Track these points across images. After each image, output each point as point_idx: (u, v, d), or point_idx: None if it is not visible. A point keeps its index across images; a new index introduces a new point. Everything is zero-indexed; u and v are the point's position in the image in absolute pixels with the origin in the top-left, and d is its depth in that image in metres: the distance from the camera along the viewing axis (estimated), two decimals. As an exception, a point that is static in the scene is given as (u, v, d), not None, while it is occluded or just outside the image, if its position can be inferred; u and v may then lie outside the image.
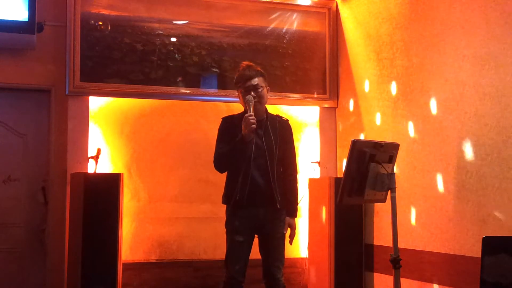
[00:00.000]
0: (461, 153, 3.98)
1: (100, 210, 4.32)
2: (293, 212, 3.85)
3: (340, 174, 5.21)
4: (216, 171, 5.07)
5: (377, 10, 4.91)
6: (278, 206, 3.73)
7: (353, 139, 3.32)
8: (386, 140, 3.76)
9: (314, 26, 5.47)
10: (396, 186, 3.36)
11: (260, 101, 3.76)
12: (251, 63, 3.89)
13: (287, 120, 3.94)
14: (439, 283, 4.13)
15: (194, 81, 5.08)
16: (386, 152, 3.42)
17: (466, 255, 3.89)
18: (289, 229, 3.84)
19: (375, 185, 3.37)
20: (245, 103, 3.71)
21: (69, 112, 4.77)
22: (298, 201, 3.94)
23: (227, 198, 3.80)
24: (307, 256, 5.15)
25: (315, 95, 5.41)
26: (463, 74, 3.99)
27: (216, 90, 5.15)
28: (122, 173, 4.52)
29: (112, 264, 4.32)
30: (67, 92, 4.74)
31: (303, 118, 5.44)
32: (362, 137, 5.06)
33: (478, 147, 3.85)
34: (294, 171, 3.90)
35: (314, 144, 5.45)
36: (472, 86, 3.92)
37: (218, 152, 3.78)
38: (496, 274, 3.00)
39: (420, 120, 4.39)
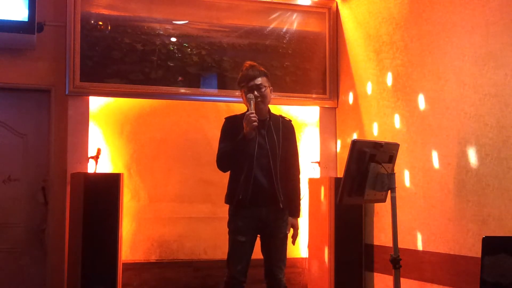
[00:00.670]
0: (461, 153, 3.98)
1: (100, 210, 4.32)
2: (295, 213, 3.84)
3: (340, 174, 5.21)
4: (217, 171, 5.06)
5: (377, 10, 4.91)
6: (281, 205, 3.73)
7: (353, 139, 3.33)
8: (386, 140, 3.76)
9: (314, 26, 5.47)
10: (396, 186, 3.37)
11: (263, 100, 3.76)
12: (255, 63, 3.89)
13: (290, 121, 3.95)
14: (439, 283, 4.13)
15: (194, 81, 5.08)
16: (386, 152, 3.42)
17: (466, 255, 3.89)
18: (291, 229, 3.84)
19: (375, 185, 3.37)
20: (247, 101, 3.70)
21: (69, 112, 4.77)
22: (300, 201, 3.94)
23: (230, 198, 3.79)
24: (307, 256, 5.15)
25: (315, 95, 5.41)
26: (463, 74, 3.99)
27: (216, 90, 5.15)
28: (122, 173, 4.52)
29: (112, 264, 4.32)
30: (67, 92, 4.74)
31: (303, 118, 5.44)
32: (362, 137, 5.06)
33: (478, 147, 3.85)
34: (297, 171, 3.89)
35: (314, 144, 5.45)
36: (472, 86, 3.92)
37: (221, 151, 3.78)
38: (496, 274, 3.00)
39: (420, 120, 4.39)
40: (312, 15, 5.47)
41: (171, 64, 5.01)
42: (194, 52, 5.09)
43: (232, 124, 3.82)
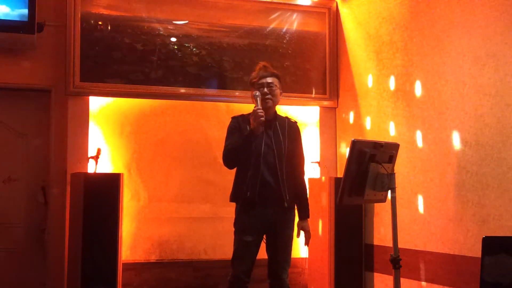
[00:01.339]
0: (461, 153, 3.99)
1: (100, 210, 4.32)
2: (303, 214, 3.83)
3: (340, 174, 5.21)
4: (217, 171, 5.08)
5: (377, 10, 4.91)
6: (286, 204, 3.72)
7: (353, 139, 3.32)
8: (386, 140, 3.76)
9: (314, 26, 5.47)
10: (396, 186, 3.37)
11: (272, 99, 3.76)
12: (267, 64, 3.90)
13: (296, 122, 3.95)
14: (439, 283, 4.13)
15: (194, 81, 5.08)
16: (386, 152, 3.42)
17: (466, 255, 3.89)
18: (302, 232, 3.83)
19: (375, 185, 3.37)
20: (253, 97, 3.71)
21: (69, 112, 4.77)
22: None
23: (236, 196, 3.78)
24: (307, 256, 5.15)
25: (315, 95, 5.41)
26: (463, 74, 3.99)
27: (216, 90, 5.15)
28: (122, 173, 4.52)
29: (112, 264, 4.32)
30: (67, 92, 4.74)
31: (303, 118, 5.44)
32: (362, 137, 5.06)
33: (478, 147, 3.85)
34: (302, 172, 3.88)
35: (314, 144, 5.45)
36: (472, 86, 3.92)
37: (227, 148, 3.77)
38: (496, 274, 3.00)
39: (420, 120, 4.39)
40: (312, 15, 5.47)
41: (171, 64, 5.01)
42: (194, 52, 5.09)
43: (239, 123, 3.80)
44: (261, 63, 3.90)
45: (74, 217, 4.46)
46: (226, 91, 5.16)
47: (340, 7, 5.48)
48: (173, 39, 5.04)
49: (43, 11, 4.69)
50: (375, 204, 4.78)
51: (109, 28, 4.87)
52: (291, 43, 5.38)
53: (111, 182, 4.39)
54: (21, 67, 4.72)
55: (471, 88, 3.93)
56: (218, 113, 5.23)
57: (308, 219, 3.86)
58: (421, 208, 4.35)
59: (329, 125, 5.47)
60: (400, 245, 3.41)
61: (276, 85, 3.79)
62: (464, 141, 3.96)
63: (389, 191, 3.38)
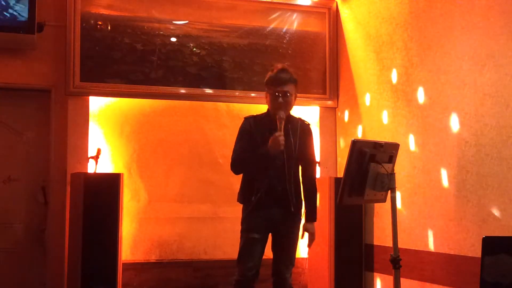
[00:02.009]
0: (461, 153, 3.98)
1: (100, 210, 4.32)
2: (309, 217, 3.80)
3: (340, 174, 5.20)
4: (217, 171, 5.08)
5: (377, 10, 4.91)
6: (292, 209, 3.71)
7: (353, 139, 3.33)
8: (386, 140, 3.76)
9: (314, 26, 5.47)
10: (396, 186, 3.36)
11: (286, 107, 3.69)
12: (286, 67, 3.80)
13: (309, 124, 3.88)
14: (439, 283, 4.13)
15: (194, 81, 5.08)
16: (386, 152, 3.42)
17: (466, 255, 3.89)
18: (306, 234, 3.79)
19: (375, 185, 3.37)
20: (277, 120, 3.60)
21: (69, 112, 4.77)
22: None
23: (243, 198, 3.77)
24: (307, 256, 5.15)
25: (315, 95, 5.41)
26: (463, 74, 3.99)
27: (216, 90, 5.14)
28: (122, 173, 4.52)
29: (112, 264, 4.32)
30: (67, 92, 4.74)
31: (303, 118, 5.42)
32: (362, 137, 5.06)
33: (478, 147, 3.85)
34: (312, 175, 3.83)
35: (314, 144, 5.43)
36: (472, 86, 3.92)
37: (238, 157, 3.71)
38: (496, 274, 3.00)
39: (420, 120, 4.39)
40: (312, 15, 5.47)
41: (171, 64, 5.01)
42: (194, 52, 5.09)
43: (250, 125, 3.76)
44: (279, 65, 3.79)
45: (74, 217, 4.46)
46: (226, 91, 5.15)
47: (340, 7, 5.48)
48: (173, 39, 5.04)
49: (43, 11, 4.69)
50: (375, 204, 4.78)
51: (109, 28, 4.87)
52: (291, 43, 5.38)
53: (111, 182, 4.39)
54: (21, 67, 4.72)
55: (471, 88, 3.92)
56: (218, 113, 5.23)
57: (315, 223, 3.82)
58: (421, 208, 4.35)
59: (329, 125, 5.47)
60: (400, 245, 3.41)
61: (292, 93, 3.71)
62: (464, 141, 3.96)
63: (389, 191, 3.38)
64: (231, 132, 5.03)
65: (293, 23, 5.40)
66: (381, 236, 4.81)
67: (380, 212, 4.80)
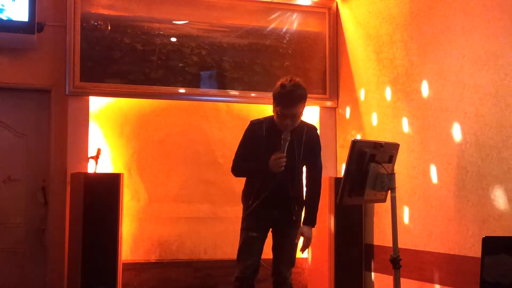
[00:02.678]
0: (461, 153, 3.98)
1: (100, 210, 4.32)
2: (307, 220, 3.72)
3: (340, 174, 5.21)
4: (217, 171, 5.09)
5: (377, 10, 4.91)
6: (294, 218, 3.70)
7: (353, 139, 3.33)
8: (386, 140, 3.76)
9: (314, 26, 5.47)
10: (396, 186, 3.36)
11: (293, 125, 3.59)
12: (297, 81, 3.56)
13: (315, 129, 3.80)
14: (439, 283, 4.13)
15: (194, 81, 5.08)
16: (386, 152, 3.42)
17: (466, 255, 3.89)
18: (301, 238, 3.70)
19: (375, 185, 3.37)
20: (281, 140, 3.50)
21: (69, 112, 4.76)
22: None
23: (245, 201, 3.76)
24: (307, 256, 5.15)
25: (315, 95, 5.41)
26: (463, 74, 3.99)
27: (216, 90, 5.14)
28: (122, 173, 4.52)
29: (112, 264, 4.32)
30: (67, 92, 4.73)
31: (303, 118, 5.42)
32: (362, 137, 5.06)
33: (478, 147, 3.85)
34: (317, 181, 3.77)
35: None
36: (472, 86, 3.92)
37: (239, 165, 3.71)
38: (496, 274, 3.00)
39: (420, 120, 4.39)
40: (312, 15, 5.47)
41: (171, 64, 5.01)
42: (194, 52, 5.09)
43: (255, 131, 3.70)
44: (291, 80, 3.55)
45: (74, 217, 4.46)
46: (226, 91, 5.15)
47: (340, 7, 5.47)
48: (173, 39, 5.04)
49: (43, 11, 4.69)
50: (375, 204, 4.78)
51: (109, 28, 4.87)
52: (291, 43, 5.38)
53: (111, 182, 4.39)
54: (21, 67, 4.72)
55: (471, 88, 3.92)
56: (218, 113, 5.23)
57: (312, 228, 3.76)
58: (421, 208, 4.35)
59: (329, 125, 5.47)
60: (400, 245, 3.41)
61: (301, 112, 3.58)
62: (464, 141, 3.96)
63: (389, 191, 3.38)
64: (231, 132, 5.05)
65: (293, 23, 5.40)
66: (381, 236, 4.81)
67: (380, 212, 4.80)
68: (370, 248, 4.92)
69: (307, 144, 3.70)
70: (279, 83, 3.60)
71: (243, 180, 3.81)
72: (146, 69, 4.94)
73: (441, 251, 4.13)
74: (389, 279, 3.93)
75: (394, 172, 3.40)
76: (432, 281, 4.19)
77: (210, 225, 5.08)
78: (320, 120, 5.45)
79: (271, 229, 3.78)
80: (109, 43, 4.85)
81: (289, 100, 3.53)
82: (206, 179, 5.11)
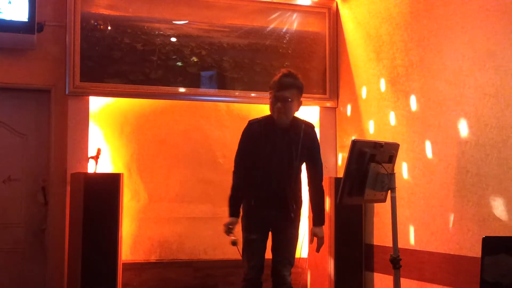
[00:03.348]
0: (461, 153, 3.98)
1: (100, 210, 4.32)
2: (316, 221, 3.77)
3: (340, 174, 5.20)
4: (217, 171, 5.09)
5: (377, 10, 4.91)
6: (292, 215, 3.72)
7: (353, 139, 3.33)
8: (386, 140, 3.76)
9: (314, 26, 5.47)
10: (396, 186, 3.36)
11: (285, 112, 3.65)
12: (292, 72, 3.73)
13: (313, 127, 3.82)
14: (439, 283, 4.13)
15: (194, 81, 5.08)
16: (386, 152, 3.42)
17: (466, 255, 3.89)
18: (315, 238, 3.77)
19: (375, 185, 3.37)
20: (231, 243, 3.65)
21: (69, 112, 4.76)
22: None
23: (244, 200, 3.78)
24: (307, 256, 5.15)
25: (315, 95, 5.41)
26: (463, 74, 3.99)
27: (216, 90, 5.15)
28: (122, 173, 4.52)
29: (112, 264, 4.32)
30: (67, 92, 4.73)
31: (303, 118, 5.42)
32: (362, 137, 5.06)
33: (478, 147, 3.85)
34: (318, 179, 3.79)
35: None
36: (472, 86, 3.92)
37: (236, 181, 3.77)
38: (496, 274, 3.00)
39: (420, 120, 4.39)
40: (312, 15, 5.47)
41: (171, 64, 5.01)
42: (194, 52, 5.09)
43: (253, 130, 3.74)
44: (284, 71, 3.74)
45: (74, 217, 4.46)
46: (226, 91, 5.15)
47: (340, 7, 5.48)
48: (173, 39, 5.04)
49: (43, 11, 4.69)
50: (375, 204, 4.78)
51: (109, 28, 4.87)
52: (291, 43, 5.38)
53: (111, 182, 4.39)
54: (21, 67, 4.72)
55: (471, 88, 3.92)
56: (218, 113, 5.24)
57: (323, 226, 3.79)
58: (421, 208, 4.35)
59: (329, 125, 5.47)
60: (400, 245, 3.41)
61: (292, 99, 3.64)
62: (464, 141, 3.96)
63: (389, 191, 3.38)
64: (231, 132, 5.05)
65: (293, 23, 5.40)
66: (381, 236, 4.81)
67: (380, 212, 4.80)
68: (370, 248, 4.92)
69: (305, 141, 3.73)
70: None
71: (243, 180, 3.82)
72: (146, 69, 4.94)
73: (441, 251, 4.13)
74: (389, 279, 3.93)
75: (394, 172, 3.40)
76: (432, 281, 4.19)
77: (210, 225, 5.08)
78: (320, 120, 5.45)
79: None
80: (109, 43, 4.85)
81: (281, 83, 3.65)
82: (206, 179, 5.11)
